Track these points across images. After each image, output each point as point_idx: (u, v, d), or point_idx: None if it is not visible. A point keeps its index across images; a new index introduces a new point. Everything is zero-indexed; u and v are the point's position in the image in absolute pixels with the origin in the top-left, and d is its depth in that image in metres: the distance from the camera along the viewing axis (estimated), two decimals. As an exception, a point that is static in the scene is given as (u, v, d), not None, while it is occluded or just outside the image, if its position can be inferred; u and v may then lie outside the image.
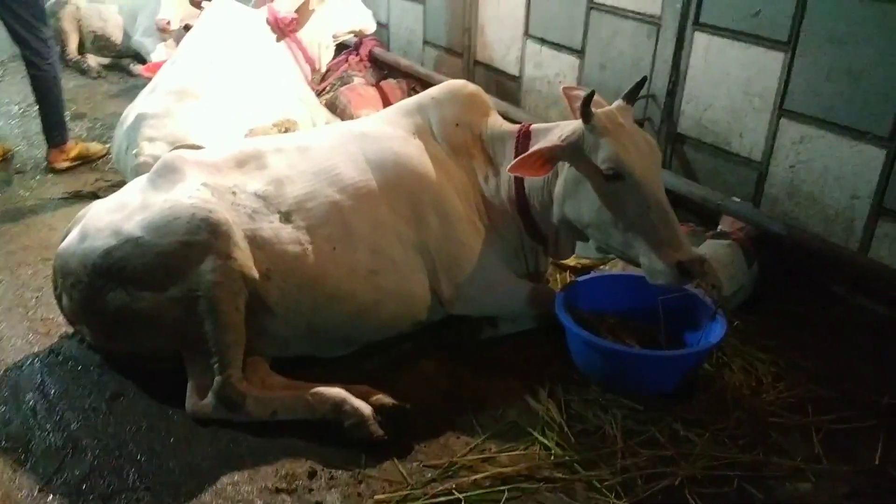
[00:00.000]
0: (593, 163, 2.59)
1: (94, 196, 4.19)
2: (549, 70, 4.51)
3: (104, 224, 2.70)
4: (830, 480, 2.36)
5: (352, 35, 5.32)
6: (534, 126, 2.93)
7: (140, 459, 2.42)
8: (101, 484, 2.33)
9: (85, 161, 4.64)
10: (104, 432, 2.54)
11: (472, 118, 3.01)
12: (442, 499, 2.27)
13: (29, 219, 3.99)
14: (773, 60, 3.28)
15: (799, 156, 3.27)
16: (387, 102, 5.28)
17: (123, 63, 6.74)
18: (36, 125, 5.17)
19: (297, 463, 2.41)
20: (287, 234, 2.71)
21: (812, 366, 2.86)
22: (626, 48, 3.96)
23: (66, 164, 4.55)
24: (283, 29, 4.60)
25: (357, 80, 5.49)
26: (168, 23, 5.71)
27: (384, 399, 2.54)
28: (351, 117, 4.99)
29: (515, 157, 2.72)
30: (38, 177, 4.53)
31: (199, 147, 3.13)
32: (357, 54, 5.68)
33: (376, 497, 2.27)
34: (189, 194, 2.67)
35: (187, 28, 5.94)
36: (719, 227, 3.47)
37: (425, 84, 5.38)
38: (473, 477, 2.34)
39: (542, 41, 4.51)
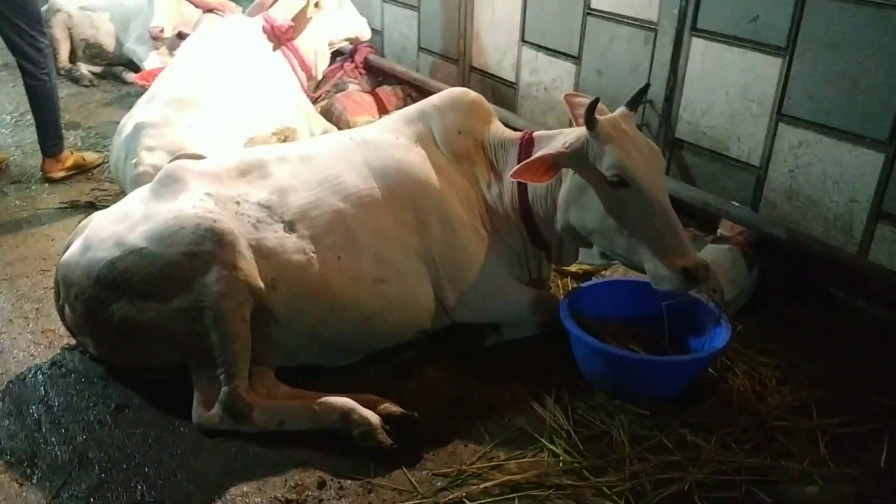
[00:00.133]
0: (598, 170, 2.60)
1: (91, 206, 4.18)
2: (546, 76, 4.53)
3: (107, 235, 2.69)
4: (837, 483, 2.38)
5: (347, 42, 5.31)
6: (537, 133, 2.94)
7: (148, 472, 2.41)
8: (109, 497, 2.32)
9: (81, 171, 4.61)
10: (110, 445, 2.52)
11: (474, 125, 3.02)
12: (452, 507, 2.27)
13: (26, 229, 3.96)
14: (771, 66, 3.31)
15: (798, 160, 3.30)
16: (382, 109, 5.29)
17: (116, 71, 6.70)
18: (29, 134, 5.16)
19: (305, 473, 2.40)
20: (292, 244, 2.71)
21: (814, 369, 2.88)
22: (624, 54, 3.98)
23: (61, 174, 4.52)
24: (280, 37, 4.60)
25: (352, 87, 5.49)
26: (161, 30, 5.67)
27: (392, 408, 2.54)
28: (347, 124, 5.00)
29: (518, 164, 2.73)
30: (33, 187, 4.50)
31: (199, 157, 3.12)
32: (352, 61, 5.67)
33: (387, 506, 2.28)
34: (193, 204, 2.66)
35: (180, 35, 5.93)
36: (719, 231, 3.50)
37: (421, 90, 5.40)
38: (483, 485, 2.35)
39: (539, 47, 4.52)
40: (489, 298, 2.93)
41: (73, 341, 2.97)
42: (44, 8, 6.43)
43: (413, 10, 5.60)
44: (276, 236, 2.71)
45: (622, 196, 2.57)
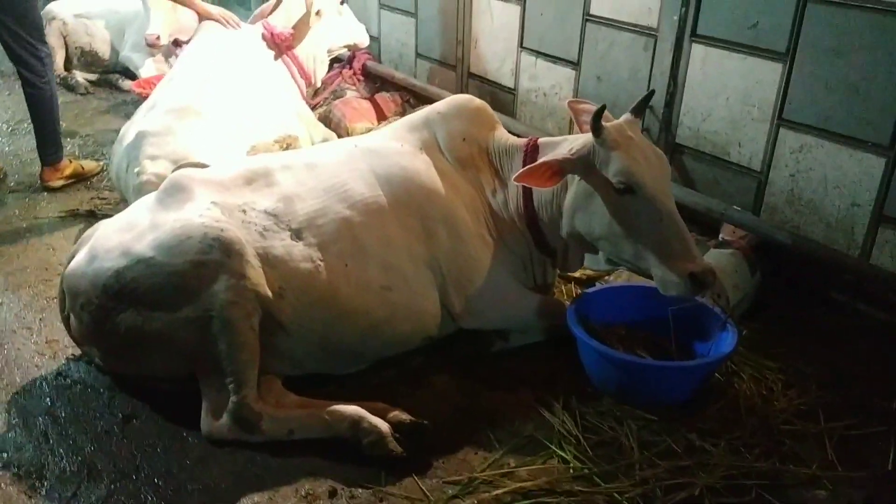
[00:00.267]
0: (604, 176, 2.61)
1: (92, 214, 4.17)
2: (545, 82, 4.54)
3: (113, 244, 2.67)
4: (846, 487, 2.39)
5: (345, 49, 5.31)
6: (541, 140, 2.95)
7: (157, 483, 2.40)
8: (119, 509, 2.31)
9: (79, 179, 4.59)
10: (119, 456, 2.51)
11: (478, 132, 3.02)
12: (464, 515, 2.27)
13: (26, 239, 3.94)
14: (772, 71, 3.33)
15: (799, 164, 3.32)
16: (381, 115, 5.30)
17: (111, 79, 6.67)
18: (26, 143, 5.15)
19: (316, 482, 2.40)
20: (299, 252, 2.71)
21: (818, 372, 2.90)
22: (623, 60, 4.00)
23: (60, 183, 4.50)
24: (280, 45, 4.60)
25: (350, 94, 5.50)
26: (158, 38, 5.65)
27: (401, 416, 2.54)
28: (346, 130, 5.01)
29: None
30: (32, 195, 4.47)
31: (203, 165, 3.11)
32: (350, 68, 5.68)
33: (399, 515, 2.28)
34: (199, 213, 2.66)
35: (176, 43, 5.92)
36: (720, 235, 3.52)
37: (419, 97, 5.42)
38: (494, 492, 2.35)
39: (538, 53, 4.54)
40: (495, 305, 2.93)
41: (78, 351, 2.95)
42: (39, 16, 6.42)
43: (410, 17, 5.61)
44: (283, 244, 2.71)
45: (629, 203, 2.58)
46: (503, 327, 3.02)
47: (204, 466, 2.47)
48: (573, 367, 2.85)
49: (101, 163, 4.81)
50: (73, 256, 2.82)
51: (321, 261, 2.71)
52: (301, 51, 4.71)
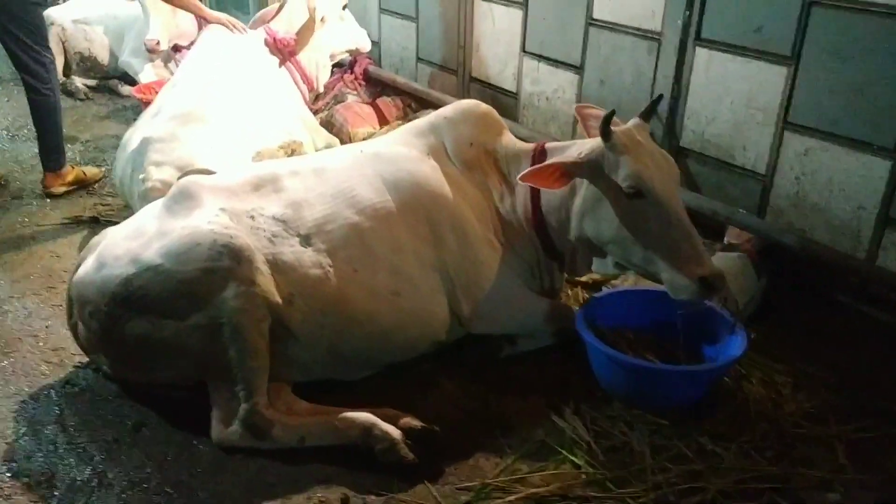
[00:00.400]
0: (613, 181, 2.61)
1: (95, 221, 4.16)
2: (548, 86, 4.55)
3: (122, 252, 2.67)
4: (858, 490, 2.39)
5: (347, 54, 5.31)
6: (549, 144, 2.95)
7: (169, 491, 2.39)
8: (131, 517, 2.30)
9: (82, 185, 4.57)
10: (129, 465, 2.50)
11: (485, 137, 3.03)
12: (478, 522, 2.27)
13: (30, 246, 3.92)
14: (776, 75, 3.34)
15: (804, 167, 3.33)
16: (383, 120, 5.30)
17: (111, 84, 6.67)
18: (27, 149, 5.13)
19: (329, 490, 2.39)
20: (308, 258, 2.70)
21: (826, 375, 2.90)
22: (627, 64, 4.00)
23: (62, 189, 4.49)
24: (283, 50, 4.60)
25: (352, 99, 5.50)
26: (157, 43, 5.64)
27: (413, 422, 2.53)
28: (348, 135, 5.00)
29: None
30: (34, 202, 4.46)
31: (209, 171, 3.11)
32: (352, 72, 5.68)
33: (413, 522, 2.27)
34: (208, 220, 2.65)
35: (176, 48, 5.92)
36: (726, 239, 3.52)
37: (420, 101, 5.42)
38: (507, 498, 2.35)
39: (540, 57, 4.54)
40: (504, 309, 2.93)
41: (85, 359, 2.95)
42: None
43: (411, 21, 5.61)
44: (292, 251, 2.70)
45: (638, 207, 2.59)
46: (512, 332, 3.01)
47: (215, 474, 2.46)
48: (583, 372, 2.85)
49: (103, 169, 4.80)
50: (80, 264, 2.81)
51: (330, 267, 2.71)
52: (304, 56, 4.71)
